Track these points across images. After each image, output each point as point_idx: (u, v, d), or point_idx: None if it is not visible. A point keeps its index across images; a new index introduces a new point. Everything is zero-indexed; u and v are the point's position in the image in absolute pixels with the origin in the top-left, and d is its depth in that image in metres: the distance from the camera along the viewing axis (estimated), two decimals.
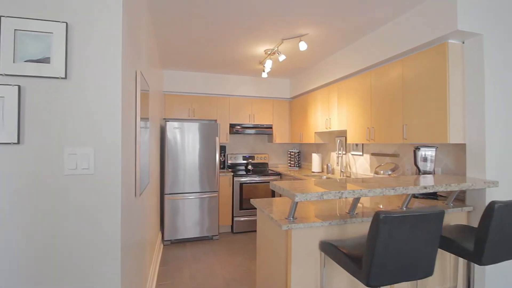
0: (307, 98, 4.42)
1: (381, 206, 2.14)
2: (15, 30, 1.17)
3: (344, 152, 3.92)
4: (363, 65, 3.02)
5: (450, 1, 2.07)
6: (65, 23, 1.22)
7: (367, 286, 1.27)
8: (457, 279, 2.05)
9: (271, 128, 4.88)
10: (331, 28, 2.84)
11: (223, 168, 4.78)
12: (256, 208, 4.38)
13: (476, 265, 2.03)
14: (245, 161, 4.96)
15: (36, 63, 1.19)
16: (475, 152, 2.11)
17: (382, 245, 1.23)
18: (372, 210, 1.99)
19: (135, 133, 1.71)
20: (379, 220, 1.22)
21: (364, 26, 2.77)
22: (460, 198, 2.30)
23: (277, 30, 2.89)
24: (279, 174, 4.58)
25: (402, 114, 2.53)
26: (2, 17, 1.16)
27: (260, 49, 3.45)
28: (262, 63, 3.92)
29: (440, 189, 1.78)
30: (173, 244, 3.86)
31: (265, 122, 4.88)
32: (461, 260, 2.10)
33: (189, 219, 3.92)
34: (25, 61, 1.18)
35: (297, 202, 1.67)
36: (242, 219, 4.33)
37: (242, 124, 4.73)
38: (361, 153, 3.58)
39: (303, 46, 2.95)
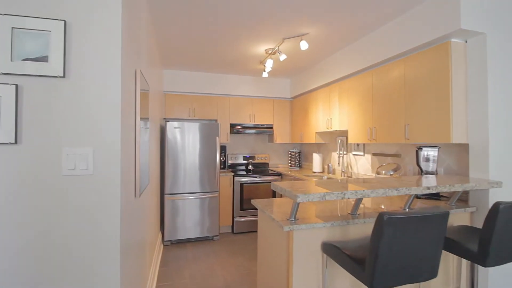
0: (308, 98, 4.39)
1: (383, 207, 2.12)
2: (12, 28, 1.15)
3: (345, 152, 3.90)
4: (364, 65, 3.00)
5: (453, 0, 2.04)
6: (63, 21, 1.20)
7: None
8: (460, 280, 2.03)
9: (271, 128, 4.86)
10: (332, 27, 2.82)
11: (224, 168, 4.76)
12: (256, 209, 4.36)
13: (479, 267, 2.01)
14: (245, 161, 4.94)
15: (34, 62, 1.17)
16: (478, 152, 2.09)
17: (386, 247, 1.21)
18: (374, 211, 1.97)
19: (135, 133, 1.69)
20: (383, 221, 1.20)
21: (365, 25, 2.75)
22: (462, 199, 2.28)
23: (278, 29, 2.87)
24: (279, 174, 4.56)
25: (404, 114, 2.51)
26: None
27: (261, 48, 3.43)
28: (262, 62, 3.90)
29: (443, 189, 1.76)
30: (173, 245, 3.84)
31: (265, 122, 4.86)
32: (464, 261, 2.08)
33: (190, 220, 3.90)
34: (23, 60, 1.16)
35: (299, 203, 1.65)
36: (242, 219, 4.31)
37: (242, 124, 4.71)
38: (362, 153, 3.56)
39: (304, 45, 2.93)
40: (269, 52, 3.48)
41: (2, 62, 1.14)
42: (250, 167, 4.84)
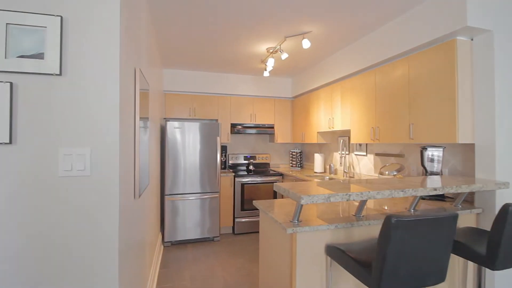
0: (310, 97, 4.35)
1: (386, 208, 2.08)
2: (7, 24, 1.11)
3: (347, 152, 3.86)
4: (367, 64, 2.96)
5: None
6: (59, 17, 1.16)
7: None
8: (466, 283, 1.99)
9: (272, 127, 4.82)
10: (335, 26, 2.78)
11: (224, 168, 4.72)
12: (257, 209, 4.32)
13: (486, 270, 1.97)
14: (246, 161, 4.90)
15: (29, 59, 1.13)
16: (484, 152, 2.05)
17: (394, 250, 1.17)
18: (378, 213, 1.93)
19: (134, 133, 1.65)
20: (390, 224, 1.15)
21: (369, 23, 2.71)
22: (468, 200, 2.24)
23: (280, 28, 2.83)
24: (281, 174, 4.52)
25: (409, 113, 2.47)
26: None
27: (262, 47, 3.38)
28: (264, 61, 3.86)
29: (450, 190, 1.72)
30: (173, 246, 3.80)
31: (266, 121, 4.82)
32: (470, 264, 2.04)
33: (190, 220, 3.86)
34: (18, 57, 1.12)
35: (302, 205, 1.61)
36: (243, 220, 4.27)
37: (243, 124, 4.67)
38: (364, 153, 3.52)
39: (306, 44, 2.89)
40: (271, 50, 3.44)
41: None
42: (251, 167, 4.80)
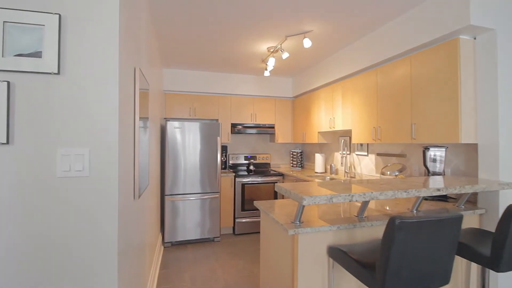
0: (311, 97, 4.33)
1: (387, 208, 2.06)
2: (4, 22, 1.09)
3: (348, 152, 3.84)
4: (369, 63, 2.94)
5: None
6: (58, 15, 1.14)
7: None
8: (469, 285, 1.97)
9: (273, 127, 4.80)
10: (336, 25, 2.76)
11: (225, 168, 4.70)
12: (258, 209, 4.30)
13: (490, 272, 1.95)
14: (246, 162, 4.88)
15: (26, 58, 1.11)
16: (487, 152, 2.03)
17: (397, 252, 1.15)
18: (380, 213, 1.91)
19: (134, 132, 1.63)
20: (394, 226, 1.13)
21: (370, 22, 2.69)
22: (471, 200, 2.22)
23: (281, 27, 2.81)
24: (281, 174, 4.50)
25: (411, 113, 2.45)
26: None
27: (263, 46, 3.36)
28: (264, 61, 3.84)
29: (453, 191, 1.70)
30: (173, 246, 3.78)
31: (267, 121, 4.80)
32: (473, 265, 2.02)
33: (190, 221, 3.84)
34: (15, 56, 1.10)
35: (304, 206, 1.59)
36: (244, 220, 4.25)
37: (243, 124, 4.65)
38: (366, 153, 3.50)
39: (307, 43, 2.87)
40: (272, 50, 3.42)
41: None
42: (251, 167, 4.78)
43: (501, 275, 1.96)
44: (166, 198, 3.74)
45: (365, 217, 1.80)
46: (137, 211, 1.81)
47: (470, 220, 2.06)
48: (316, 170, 4.29)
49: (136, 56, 1.74)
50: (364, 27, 2.80)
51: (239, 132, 4.56)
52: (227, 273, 2.99)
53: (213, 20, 2.68)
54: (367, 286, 1.29)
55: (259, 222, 4.30)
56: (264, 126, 4.74)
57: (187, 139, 3.84)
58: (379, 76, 2.85)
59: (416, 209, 1.96)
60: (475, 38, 2.11)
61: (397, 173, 2.73)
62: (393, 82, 2.66)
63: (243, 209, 4.25)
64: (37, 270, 1.12)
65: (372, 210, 2.00)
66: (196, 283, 2.76)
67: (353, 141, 3.27)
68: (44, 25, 1.13)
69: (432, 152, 2.32)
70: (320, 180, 3.64)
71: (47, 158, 1.13)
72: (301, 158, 4.89)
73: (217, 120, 4.58)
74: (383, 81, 2.80)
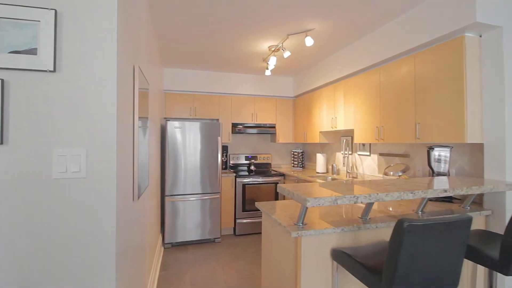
0: (312, 97, 4.29)
1: (391, 209, 2.02)
2: None
3: (350, 152, 3.80)
4: (372, 62, 2.89)
5: None
6: (53, 10, 1.10)
7: None
8: None
9: (274, 127, 4.76)
10: (338, 23, 2.72)
11: (225, 168, 4.66)
12: (259, 210, 4.26)
13: (498, 275, 1.91)
14: (247, 162, 4.84)
15: (21, 55, 1.07)
16: (494, 152, 1.99)
17: (406, 256, 1.11)
18: (384, 215, 1.87)
19: (133, 132, 1.59)
20: (402, 229, 1.09)
21: (373, 20, 2.64)
22: (476, 201, 2.18)
23: (282, 25, 2.77)
24: (282, 174, 4.46)
25: (415, 112, 2.41)
26: None
27: (264, 45, 3.32)
28: (265, 60, 3.80)
29: (461, 192, 1.66)
30: (174, 247, 3.74)
31: (268, 121, 4.76)
32: (479, 268, 1.98)
33: (191, 222, 3.80)
34: (9, 53, 1.06)
35: (307, 207, 1.55)
36: (245, 221, 4.21)
37: (244, 124, 4.61)
38: (368, 153, 3.46)
39: (309, 41, 2.83)
40: (273, 49, 3.38)
41: None
42: (252, 167, 4.74)
43: (509, 278, 1.92)
44: (166, 198, 3.71)
45: (369, 218, 1.75)
46: (137, 212, 1.77)
47: (476, 222, 2.02)
48: (318, 170, 4.25)
49: (135, 54, 1.70)
50: (367, 25, 2.75)
51: (239, 132, 4.52)
52: (228, 274, 2.95)
53: (213, 20, 2.65)
54: None
55: (260, 222, 4.26)
56: (265, 126, 4.70)
57: (187, 139, 3.80)
58: (382, 75, 2.81)
59: (421, 211, 1.92)
60: (480, 36, 2.07)
61: (400, 174, 2.69)
62: (397, 81, 2.62)
63: (243, 210, 4.21)
64: (33, 270, 1.09)
65: (375, 211, 1.96)
66: (197, 285, 2.72)
67: (356, 141, 3.23)
68: (39, 21, 1.09)
69: (436, 152, 2.28)
70: (322, 181, 3.61)
71: (42, 159, 1.09)
72: (302, 158, 4.85)
73: (217, 120, 4.54)
74: (386, 80, 2.76)
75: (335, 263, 1.60)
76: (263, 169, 4.84)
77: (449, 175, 2.30)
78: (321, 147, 4.57)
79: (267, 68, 3.68)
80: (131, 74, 1.55)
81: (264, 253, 2.05)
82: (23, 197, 1.08)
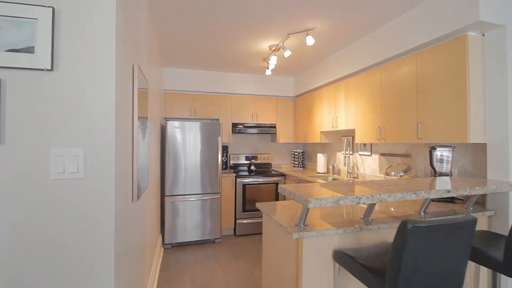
0: (313, 96, 4.27)
1: (392, 210, 2.00)
2: None
3: (351, 152, 3.78)
4: (373, 61, 2.88)
5: None
6: (51, 8, 1.08)
7: None
8: None
9: (274, 127, 4.74)
10: (340, 22, 2.70)
11: (225, 168, 4.64)
12: (259, 210, 4.24)
13: (502, 276, 1.89)
14: (247, 162, 4.82)
15: (18, 53, 1.05)
16: (497, 152, 1.97)
17: (410, 258, 1.09)
18: (386, 215, 1.85)
19: (132, 132, 1.57)
20: (406, 230, 1.08)
21: (375, 19, 2.63)
22: (479, 202, 2.16)
23: (283, 24, 2.75)
24: (283, 174, 4.44)
25: (417, 112, 2.39)
26: None
27: (265, 44, 3.30)
28: (266, 59, 3.78)
29: (464, 192, 1.64)
30: (173, 248, 3.72)
31: (268, 121, 4.74)
32: (483, 269, 1.96)
33: (191, 222, 3.78)
34: (6, 51, 1.04)
35: (308, 208, 1.53)
36: (245, 221, 4.19)
37: (244, 124, 4.59)
38: (369, 153, 3.44)
39: (310, 40, 2.81)
40: (273, 48, 3.36)
41: None
42: (252, 167, 4.72)
43: (511, 280, 1.90)
44: (166, 199, 3.69)
45: (371, 219, 1.74)
46: (136, 213, 1.75)
47: (479, 222, 2.00)
48: (318, 171, 4.23)
49: (135, 53, 1.68)
50: (368, 24, 2.73)
51: (240, 132, 4.50)
52: (228, 274, 2.93)
53: (213, 20, 2.63)
54: None
55: (260, 223, 4.24)
56: (265, 126, 4.68)
57: (187, 139, 3.78)
58: (384, 75, 2.79)
59: (424, 211, 1.90)
60: (483, 35, 2.05)
61: (402, 174, 2.67)
62: (398, 81, 2.60)
63: (244, 210, 4.19)
64: (32, 271, 1.07)
65: (377, 212, 1.94)
66: (197, 285, 2.70)
67: (357, 140, 3.21)
68: (37, 18, 1.07)
69: (439, 152, 2.26)
70: (323, 181, 3.59)
71: (40, 159, 1.07)
72: (302, 158, 4.83)
73: (217, 119, 4.52)
74: (387, 80, 2.74)
75: (336, 264, 1.58)
76: (263, 169, 4.82)
77: (451, 175, 2.28)
78: (322, 147, 4.55)
79: (268, 68, 3.67)
80: (130, 73, 1.53)
81: (264, 253, 2.03)
82: (22, 197, 1.06)
